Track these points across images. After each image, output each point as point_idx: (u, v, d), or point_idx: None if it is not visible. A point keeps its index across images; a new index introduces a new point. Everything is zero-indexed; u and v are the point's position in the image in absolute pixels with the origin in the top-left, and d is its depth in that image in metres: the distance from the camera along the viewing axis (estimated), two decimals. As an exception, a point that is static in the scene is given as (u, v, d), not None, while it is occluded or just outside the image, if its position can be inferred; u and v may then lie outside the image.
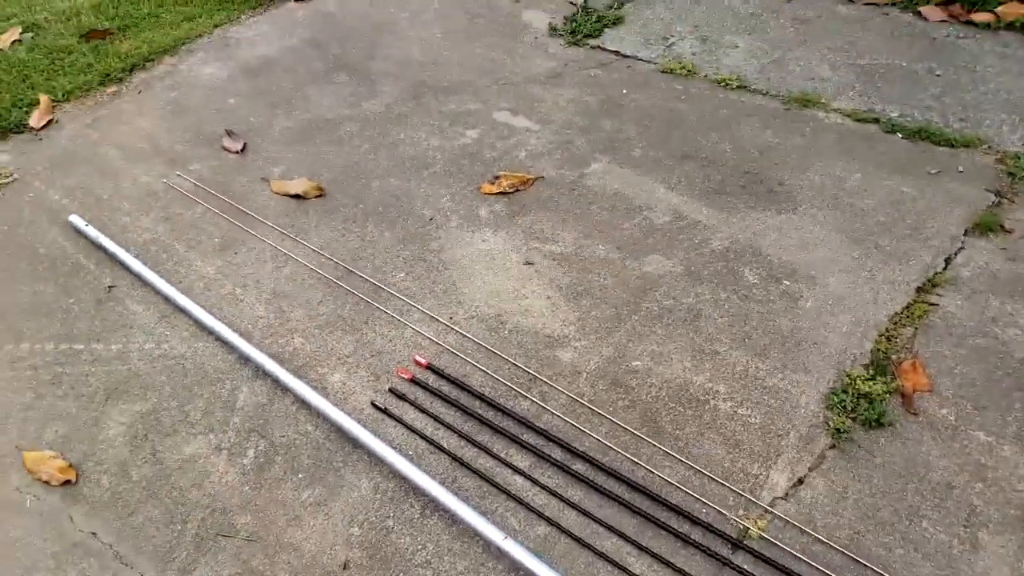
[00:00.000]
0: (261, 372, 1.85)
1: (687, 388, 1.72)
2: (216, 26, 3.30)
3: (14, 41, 3.19)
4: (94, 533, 1.57)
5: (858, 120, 2.49)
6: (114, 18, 3.32)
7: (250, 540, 1.53)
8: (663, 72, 2.85)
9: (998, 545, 1.39)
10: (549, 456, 1.60)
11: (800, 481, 1.52)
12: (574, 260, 2.08)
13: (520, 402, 1.73)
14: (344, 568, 1.46)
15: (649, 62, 2.93)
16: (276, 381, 1.82)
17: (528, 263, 2.09)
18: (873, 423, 1.59)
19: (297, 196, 2.38)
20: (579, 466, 1.58)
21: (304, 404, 1.77)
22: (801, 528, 1.44)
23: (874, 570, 1.36)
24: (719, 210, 2.19)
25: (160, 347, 1.94)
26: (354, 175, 2.47)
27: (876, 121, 2.47)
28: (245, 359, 1.88)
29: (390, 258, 2.15)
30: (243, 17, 3.38)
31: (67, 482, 1.67)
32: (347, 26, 3.32)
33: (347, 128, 2.69)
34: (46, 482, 1.67)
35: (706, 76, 2.80)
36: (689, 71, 2.82)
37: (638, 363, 1.79)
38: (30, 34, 3.24)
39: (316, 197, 2.38)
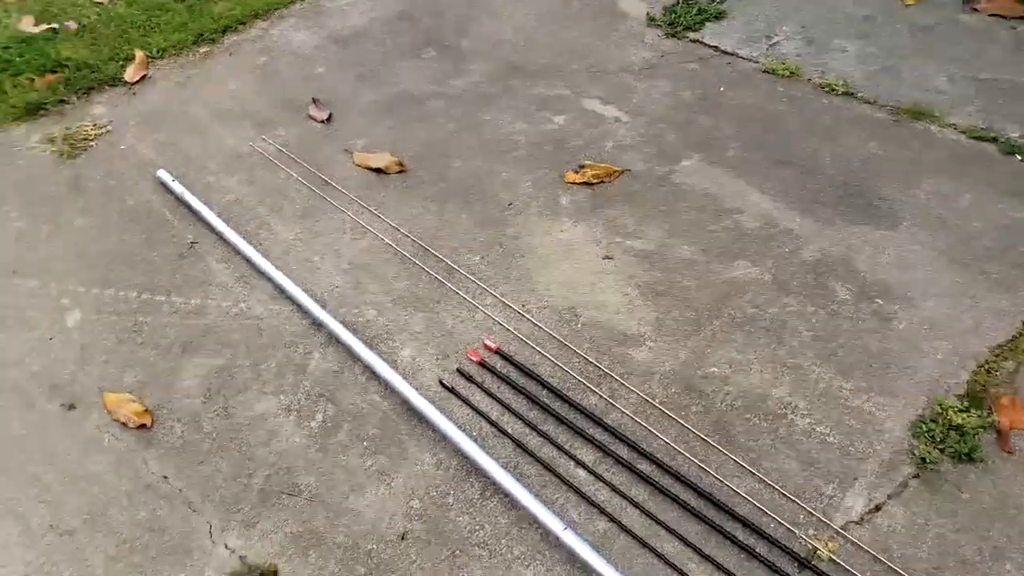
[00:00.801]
0: (333, 340, 1.93)
1: (764, 400, 1.73)
2: (310, -7, 3.42)
3: (115, -5, 3.38)
4: (165, 477, 1.69)
5: (974, 138, 2.42)
6: (211, -22, 3.47)
7: (312, 501, 1.62)
8: (764, 72, 2.83)
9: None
10: (614, 453, 1.64)
11: (877, 507, 1.51)
12: (656, 258, 2.11)
13: (588, 397, 1.77)
14: (402, 539, 1.53)
15: (750, 60, 2.91)
16: (348, 350, 1.90)
17: (607, 257, 2.13)
18: (963, 457, 1.57)
19: (378, 170, 2.47)
20: (644, 466, 1.61)
21: (373, 375, 1.85)
22: (875, 555, 1.44)
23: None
24: (813, 220, 2.17)
25: (237, 306, 2.05)
26: (436, 153, 2.54)
27: (994, 140, 2.41)
28: (319, 325, 1.97)
29: (467, 240, 2.21)
30: (337, -15, 3.49)
31: (142, 426, 1.79)
32: (439, 1, 3.40)
33: (433, 105, 2.76)
34: (123, 424, 1.80)
35: (810, 79, 2.77)
36: (792, 72, 2.79)
37: (715, 369, 1.81)
38: (131, -11, 3.42)
39: (397, 172, 2.46)
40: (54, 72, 2.91)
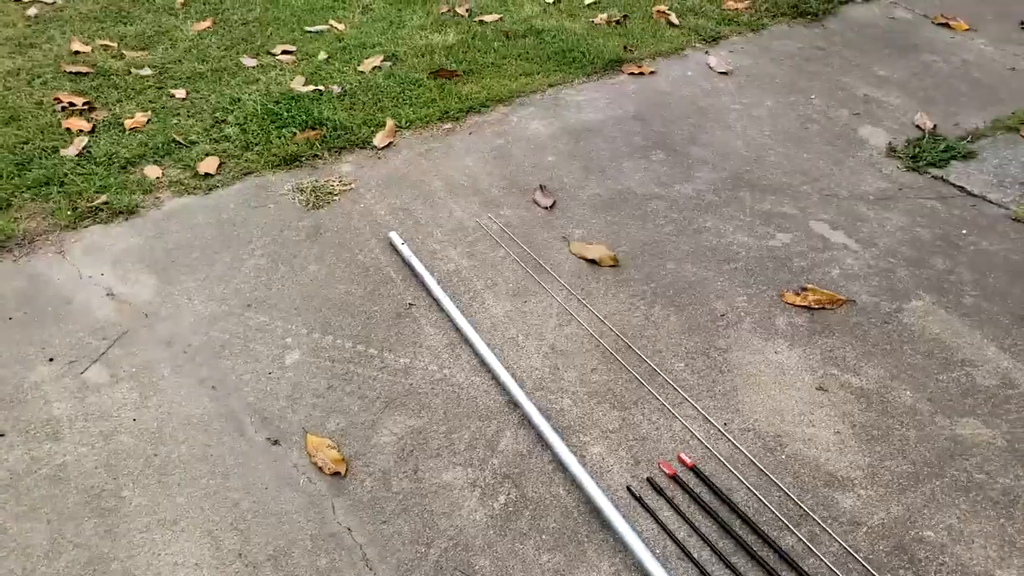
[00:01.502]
0: (526, 422, 2.00)
1: (992, 581, 1.58)
2: (551, 85, 3.66)
3: (375, 67, 3.80)
4: (349, 528, 1.78)
5: None
6: (462, 62, 3.81)
7: (485, 591, 1.66)
8: (1015, 220, 2.67)
9: None
10: (808, 604, 1.56)
11: None
12: (875, 399, 2.01)
13: (785, 536, 1.70)
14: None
15: (1000, 206, 2.76)
16: (538, 435, 1.96)
17: (821, 388, 2.06)
18: None
19: (592, 261, 2.56)
20: (840, 626, 1.52)
21: (560, 466, 1.89)
22: None
23: None
24: (1064, 389, 2.00)
25: (442, 371, 2.18)
26: (651, 253, 2.60)
27: None
28: (514, 404, 2.04)
29: (672, 345, 2.23)
30: (577, 82, 3.70)
31: (336, 473, 1.91)
32: (675, 107, 3.52)
33: (654, 206, 2.84)
34: (320, 468, 1.93)
35: (1071, 232, 2.58)
36: (1049, 223, 2.62)
37: (931, 534, 1.68)
38: (389, 63, 3.83)
39: (610, 266, 2.54)
40: (314, 128, 3.29)
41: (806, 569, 1.62)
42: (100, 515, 1.81)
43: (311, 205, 2.88)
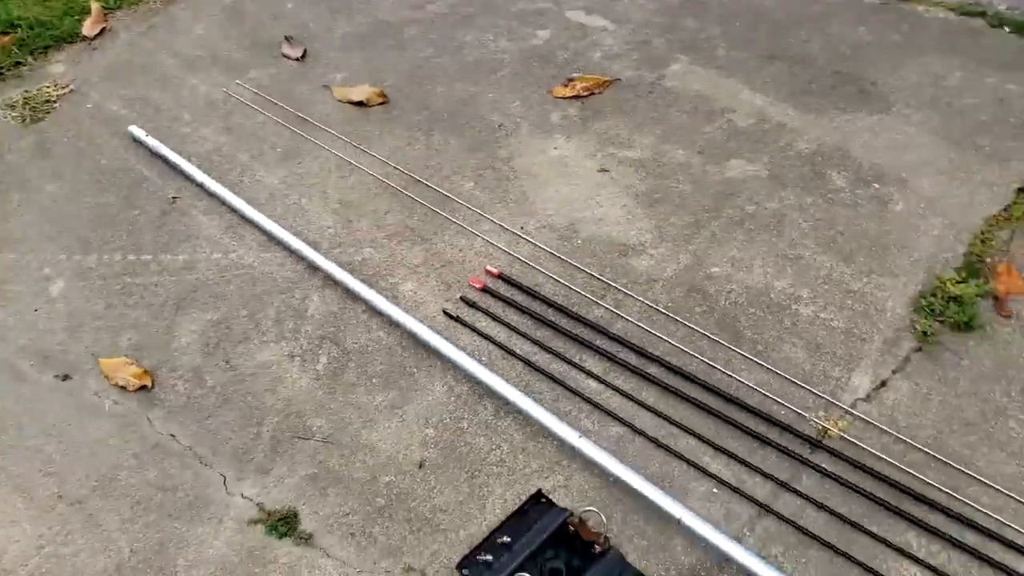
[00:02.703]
0: (330, 281, 2.03)
1: (768, 293, 1.83)
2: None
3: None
4: (172, 435, 1.77)
5: (963, 14, 2.49)
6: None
7: (326, 442, 1.72)
8: (749, -36, 2.87)
9: (1089, 444, 1.49)
10: (624, 361, 1.75)
11: (883, 384, 1.63)
12: (651, 166, 2.19)
13: (594, 310, 1.88)
14: (420, 467, 1.65)
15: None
16: (346, 290, 2.00)
17: (603, 170, 2.21)
18: (962, 326, 1.68)
19: (360, 103, 2.53)
20: (654, 370, 1.72)
21: (375, 312, 1.95)
22: (882, 429, 1.56)
23: (956, 468, 1.49)
24: (806, 111, 2.25)
25: (227, 257, 2.13)
26: (418, 81, 2.60)
27: (982, 15, 2.47)
28: (314, 269, 2.06)
29: (458, 167, 2.29)
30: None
31: (143, 387, 1.87)
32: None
33: (410, 32, 2.80)
34: (123, 387, 1.87)
35: (796, -33, 2.81)
36: (778, -38, 2.83)
37: (717, 269, 1.91)
38: (74, -61, 3.42)
39: (379, 104, 2.52)
40: (6, 34, 2.94)
41: (616, 332, 1.80)
42: None
43: (28, 120, 2.61)
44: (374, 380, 1.82)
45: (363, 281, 1.98)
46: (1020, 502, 1.45)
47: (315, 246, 2.09)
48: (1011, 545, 1.40)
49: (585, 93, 2.44)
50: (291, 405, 1.80)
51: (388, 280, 2.02)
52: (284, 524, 1.58)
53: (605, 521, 1.48)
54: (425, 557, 1.49)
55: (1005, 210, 1.91)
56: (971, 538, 1.41)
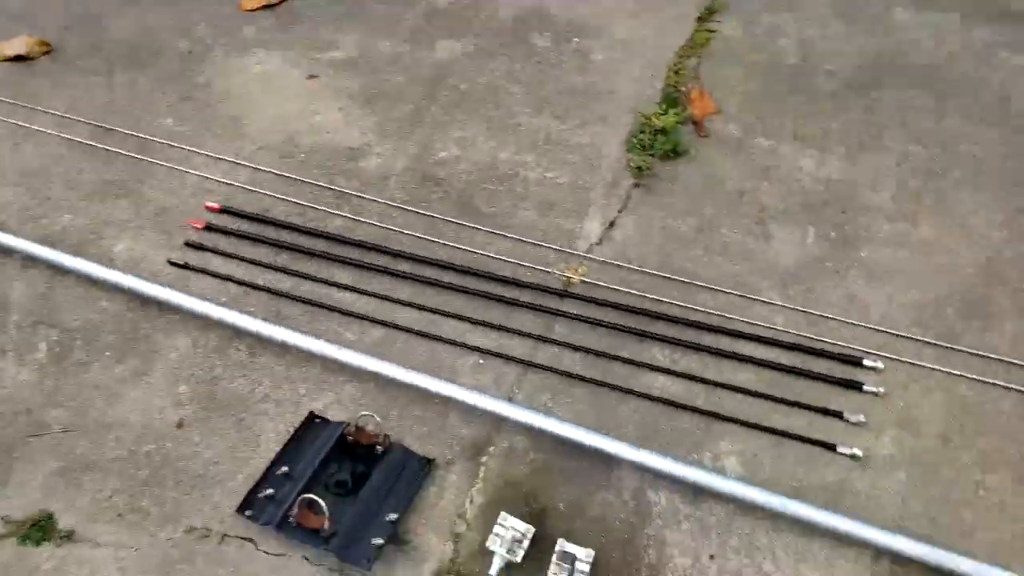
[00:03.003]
0: (31, 260, 1.80)
1: (495, 166, 1.86)
2: None
3: None
4: None
5: None
6: None
7: (67, 431, 1.56)
8: None
9: (787, 232, 1.68)
10: (372, 264, 1.71)
11: (611, 224, 1.73)
12: (361, 63, 2.12)
13: (332, 221, 1.81)
14: (179, 427, 1.54)
15: None
16: (51, 266, 1.79)
17: (312, 76, 2.11)
18: (670, 154, 1.81)
19: (20, 58, 2.23)
20: (405, 266, 1.71)
21: (92, 282, 1.76)
22: (617, 264, 1.66)
23: (684, 281, 1.63)
24: (502, -22, 2.26)
25: None
26: (82, 19, 2.33)
27: None
28: (7, 252, 1.82)
29: (151, 105, 2.09)
30: None
31: None
32: None
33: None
34: None
35: None
36: None
37: (445, 153, 1.90)
38: None
39: (44, 54, 2.24)
40: None
41: (358, 238, 1.75)
42: None
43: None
44: (107, 353, 1.66)
45: (69, 251, 1.78)
46: (740, 296, 1.61)
47: (2, 226, 1.85)
48: (738, 334, 1.56)
49: (276, 0, 2.30)
50: (16, 404, 1.60)
51: (98, 244, 1.83)
52: (37, 530, 1.42)
53: (381, 421, 1.47)
54: (206, 513, 1.41)
55: (690, 39, 2.05)
56: (706, 339, 1.56)
